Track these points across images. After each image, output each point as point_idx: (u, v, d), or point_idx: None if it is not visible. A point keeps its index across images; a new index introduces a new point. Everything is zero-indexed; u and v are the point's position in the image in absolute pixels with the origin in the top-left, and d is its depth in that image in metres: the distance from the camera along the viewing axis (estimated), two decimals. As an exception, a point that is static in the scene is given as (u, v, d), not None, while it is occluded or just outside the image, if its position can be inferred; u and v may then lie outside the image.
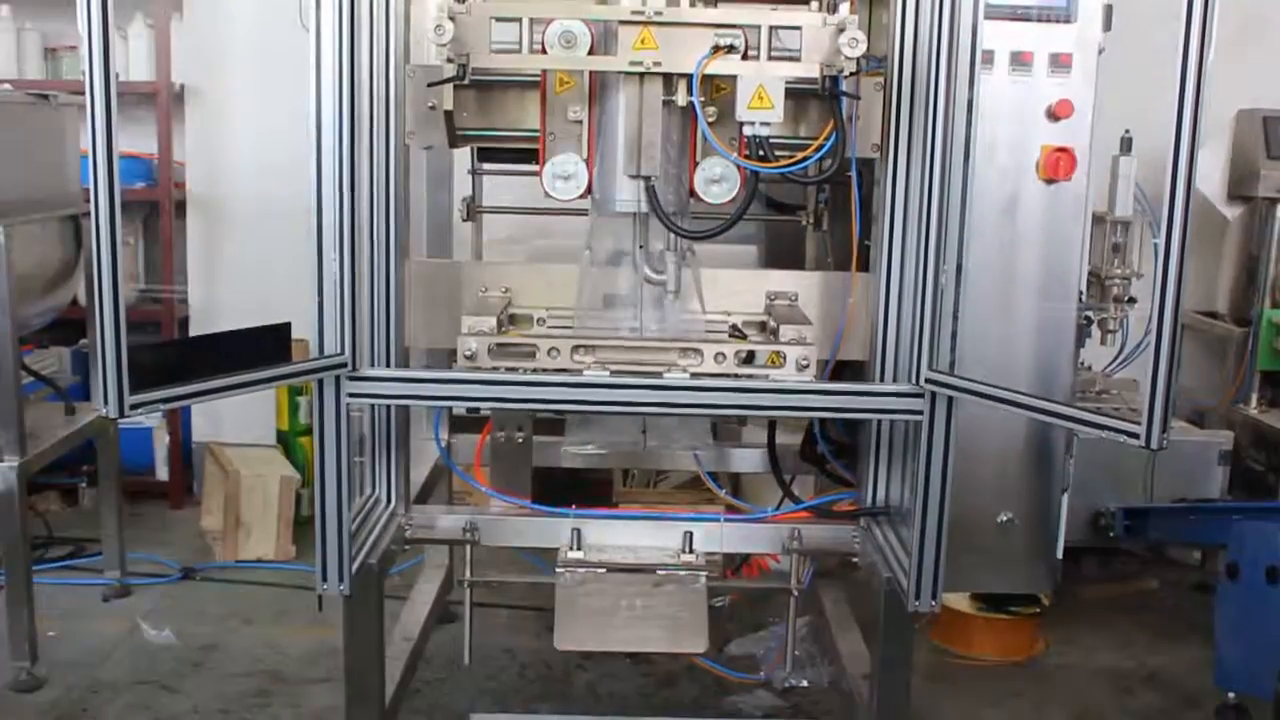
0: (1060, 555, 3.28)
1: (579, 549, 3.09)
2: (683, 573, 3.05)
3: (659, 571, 3.05)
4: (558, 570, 3.06)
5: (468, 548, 3.18)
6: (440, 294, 3.11)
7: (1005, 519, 3.17)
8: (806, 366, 2.80)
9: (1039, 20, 2.99)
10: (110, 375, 2.31)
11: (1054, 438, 3.17)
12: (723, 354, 2.81)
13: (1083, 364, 3.68)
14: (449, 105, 2.90)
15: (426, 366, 3.58)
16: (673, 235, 2.88)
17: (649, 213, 2.83)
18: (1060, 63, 2.99)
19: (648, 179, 2.77)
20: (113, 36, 2.20)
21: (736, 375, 2.80)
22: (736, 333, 3.05)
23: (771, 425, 3.69)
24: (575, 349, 2.80)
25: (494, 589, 4.09)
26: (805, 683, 3.92)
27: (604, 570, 3.05)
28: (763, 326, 3.09)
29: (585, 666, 4.06)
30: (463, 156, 3.86)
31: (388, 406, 3.11)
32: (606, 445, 3.93)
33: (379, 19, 2.84)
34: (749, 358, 2.82)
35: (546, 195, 2.85)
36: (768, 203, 3.74)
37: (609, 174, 2.83)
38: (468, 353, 2.78)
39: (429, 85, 2.90)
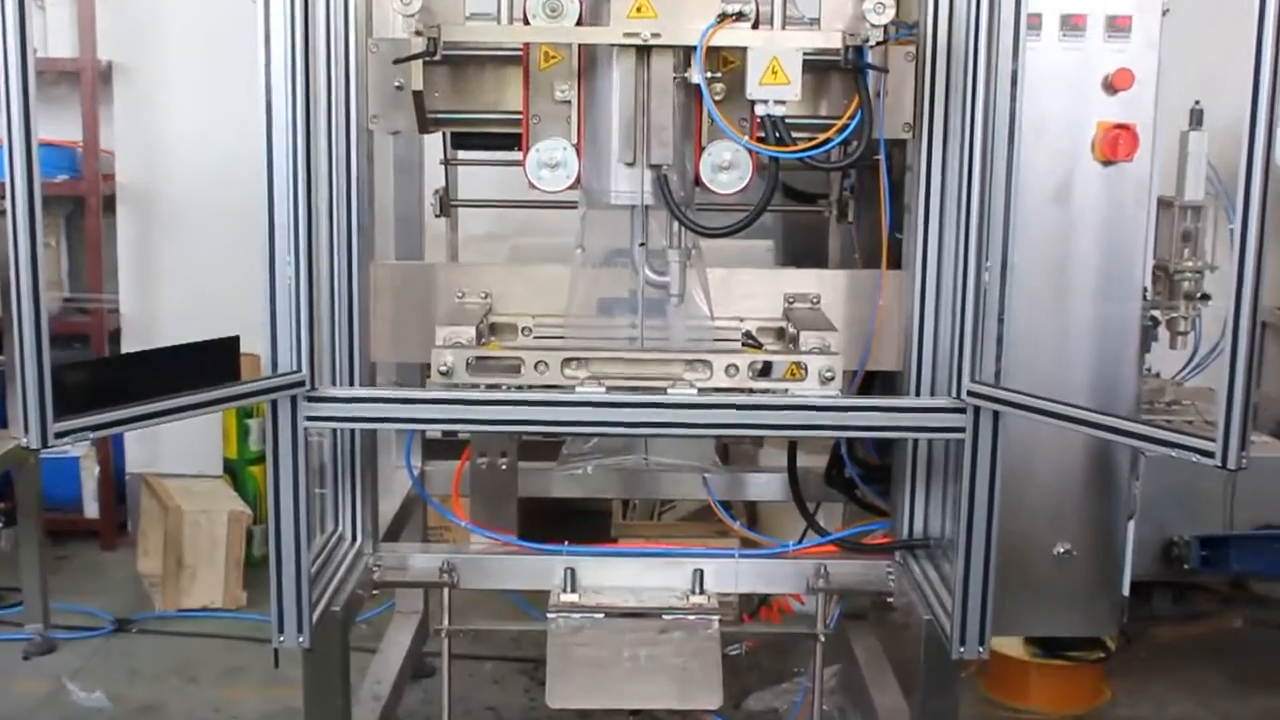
0: (1127, 592, 3.29)
1: (573, 591, 3.10)
2: (692, 617, 3.06)
3: (665, 616, 3.06)
4: (549, 616, 3.06)
5: (445, 591, 3.18)
6: (411, 301, 3.12)
7: (1062, 551, 3.18)
8: (831, 379, 2.80)
9: (1093, -23, 3.01)
10: (31, 399, 2.31)
11: (1117, 457, 3.17)
12: (735, 366, 2.81)
13: (1149, 371, 3.69)
14: (418, 84, 2.90)
15: (395, 384, 3.59)
16: (676, 231, 2.89)
17: (649, 205, 2.84)
18: (1118, 26, 3.00)
19: (658, 168, 2.77)
20: (29, 6, 2.21)
21: (751, 390, 2.81)
22: (750, 341, 3.06)
23: (792, 447, 3.70)
24: (566, 362, 2.80)
25: (476, 638, 4.10)
26: (835, 741, 3.93)
27: (602, 615, 3.06)
28: (780, 333, 3.10)
29: (582, 727, 4.06)
30: (434, 144, 3.88)
31: (351, 431, 3.11)
32: (605, 456, 3.93)
33: (337, -14, 2.86)
34: (765, 370, 2.83)
35: (531, 186, 2.86)
36: (785, 192, 3.75)
37: (602, 162, 2.84)
38: (443, 368, 2.79)
39: (395, 62, 2.90)
